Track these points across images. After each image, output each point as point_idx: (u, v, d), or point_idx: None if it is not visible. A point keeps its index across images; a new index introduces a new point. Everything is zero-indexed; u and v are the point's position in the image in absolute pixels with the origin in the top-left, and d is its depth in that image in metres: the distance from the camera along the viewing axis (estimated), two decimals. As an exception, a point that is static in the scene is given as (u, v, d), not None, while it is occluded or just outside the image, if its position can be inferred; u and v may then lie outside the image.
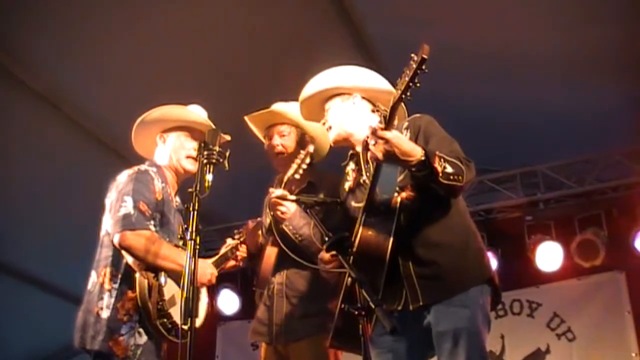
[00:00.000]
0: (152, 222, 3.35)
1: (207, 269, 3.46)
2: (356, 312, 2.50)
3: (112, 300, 3.23)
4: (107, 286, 3.27)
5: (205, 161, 2.87)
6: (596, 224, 6.58)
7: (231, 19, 5.25)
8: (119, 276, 3.28)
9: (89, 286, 3.34)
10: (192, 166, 3.54)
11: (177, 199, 3.63)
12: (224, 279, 6.71)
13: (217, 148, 2.90)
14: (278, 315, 3.66)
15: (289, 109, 3.79)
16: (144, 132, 3.66)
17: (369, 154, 2.80)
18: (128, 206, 3.28)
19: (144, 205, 3.31)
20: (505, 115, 5.77)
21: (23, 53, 5.26)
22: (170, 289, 3.29)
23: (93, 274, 3.36)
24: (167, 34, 5.25)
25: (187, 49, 5.40)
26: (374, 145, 2.69)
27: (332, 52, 5.50)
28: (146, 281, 3.23)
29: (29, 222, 6.17)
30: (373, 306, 2.42)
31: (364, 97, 3.23)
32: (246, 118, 3.90)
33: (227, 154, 2.93)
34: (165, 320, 3.24)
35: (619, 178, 6.44)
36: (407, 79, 2.62)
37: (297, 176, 3.39)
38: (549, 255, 6.60)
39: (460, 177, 2.73)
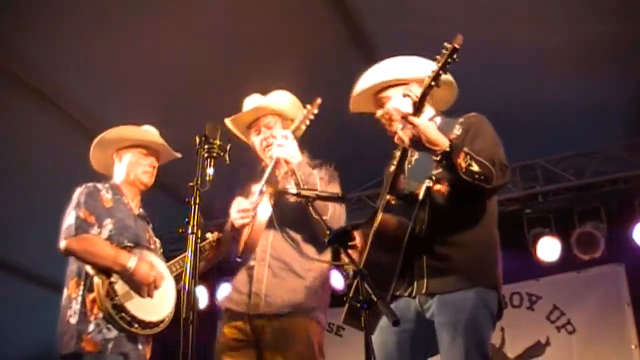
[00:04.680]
0: (95, 228, 3.59)
1: (149, 271, 3.58)
2: (358, 305, 2.51)
3: (79, 306, 3.49)
4: (74, 295, 3.53)
5: (206, 155, 2.86)
6: (595, 217, 6.59)
7: (228, 17, 5.24)
8: (82, 283, 3.54)
9: (63, 302, 3.58)
10: (149, 179, 3.86)
11: (141, 210, 3.89)
12: (224, 272, 6.70)
13: (217, 142, 2.89)
14: (258, 285, 3.50)
15: (271, 100, 3.73)
16: (101, 152, 3.92)
17: (396, 137, 2.79)
18: (71, 218, 3.59)
19: (86, 212, 3.60)
20: (504, 109, 5.75)
21: (23, 52, 5.27)
22: (123, 286, 3.51)
23: (65, 290, 3.61)
24: (165, 36, 5.26)
25: (183, 50, 5.40)
26: (402, 130, 2.70)
27: (329, 48, 5.54)
28: (100, 282, 3.47)
29: (31, 219, 6.18)
30: (375, 299, 2.42)
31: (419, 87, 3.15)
32: (228, 121, 3.77)
33: (228, 147, 2.93)
34: (123, 314, 3.45)
35: (618, 171, 6.45)
36: (438, 66, 2.64)
37: (303, 127, 3.44)
38: (548, 249, 6.61)
39: (487, 179, 2.70)
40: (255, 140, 3.75)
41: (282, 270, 3.52)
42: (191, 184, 2.81)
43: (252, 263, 3.57)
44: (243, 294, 3.54)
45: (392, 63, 3.21)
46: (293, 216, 3.51)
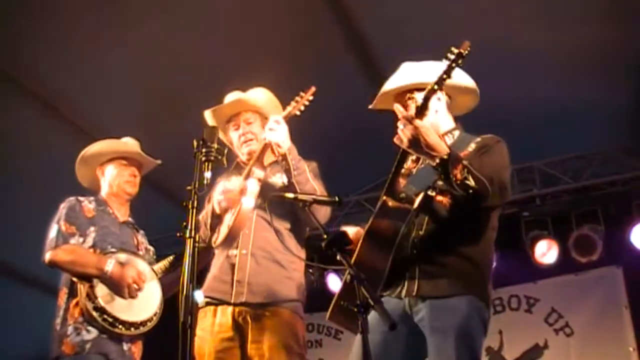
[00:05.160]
0: (76, 237, 3.75)
1: (128, 273, 3.70)
2: (355, 309, 2.50)
3: (63, 312, 3.66)
4: (61, 304, 3.70)
5: (203, 159, 2.86)
6: (593, 219, 6.60)
7: (227, 19, 5.24)
8: (67, 291, 3.71)
9: (56, 311, 3.72)
10: (131, 188, 4.01)
11: (130, 218, 4.04)
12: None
13: (215, 145, 2.88)
14: (241, 273, 3.41)
15: (252, 95, 3.71)
16: (85, 168, 4.07)
17: (395, 137, 2.76)
18: (53, 231, 3.76)
19: (66, 224, 3.77)
20: (501, 111, 5.76)
21: (23, 57, 5.28)
22: (103, 288, 3.65)
23: (58, 299, 3.76)
24: (163, 39, 5.27)
25: (182, 53, 5.41)
26: (402, 130, 2.68)
27: (326, 53, 5.54)
28: (82, 286, 3.64)
29: (29, 221, 6.17)
30: (372, 303, 2.42)
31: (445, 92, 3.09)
32: (208, 112, 3.71)
33: (225, 151, 2.92)
34: (105, 316, 3.59)
35: (616, 173, 6.46)
36: (442, 71, 2.64)
37: (297, 112, 3.40)
38: (546, 251, 6.62)
39: (481, 195, 2.68)
40: (233, 135, 3.71)
41: (265, 259, 3.44)
42: (189, 188, 2.81)
43: (233, 251, 3.47)
44: (226, 283, 3.43)
45: (419, 66, 3.14)
46: (279, 207, 3.45)
